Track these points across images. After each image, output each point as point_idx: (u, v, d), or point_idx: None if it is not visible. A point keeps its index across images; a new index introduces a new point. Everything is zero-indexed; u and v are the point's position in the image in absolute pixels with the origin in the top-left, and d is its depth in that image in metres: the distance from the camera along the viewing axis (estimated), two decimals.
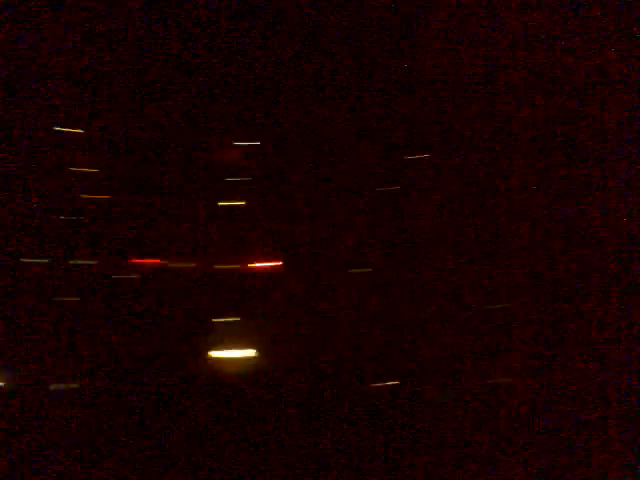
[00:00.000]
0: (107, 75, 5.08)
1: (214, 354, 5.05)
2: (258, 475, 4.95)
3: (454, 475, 4.99)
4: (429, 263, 5.06)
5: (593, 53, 5.10)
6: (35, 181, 5.01)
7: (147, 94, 5.11)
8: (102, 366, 4.97)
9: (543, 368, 5.02)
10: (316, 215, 5.13)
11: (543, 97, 5.10)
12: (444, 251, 5.07)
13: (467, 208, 5.09)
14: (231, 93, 5.14)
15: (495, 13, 5.12)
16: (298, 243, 5.11)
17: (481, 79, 5.12)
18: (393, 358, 5.03)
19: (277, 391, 5.01)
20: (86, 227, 5.04)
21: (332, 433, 4.97)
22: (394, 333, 5.05)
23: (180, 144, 5.11)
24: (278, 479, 4.95)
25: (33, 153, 5.02)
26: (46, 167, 5.02)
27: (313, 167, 5.14)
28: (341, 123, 5.12)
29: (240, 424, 4.99)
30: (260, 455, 4.97)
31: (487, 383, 5.02)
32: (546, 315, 5.04)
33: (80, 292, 5.00)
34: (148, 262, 5.08)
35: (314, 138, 5.14)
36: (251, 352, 5.05)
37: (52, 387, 4.94)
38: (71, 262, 5.01)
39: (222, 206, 5.14)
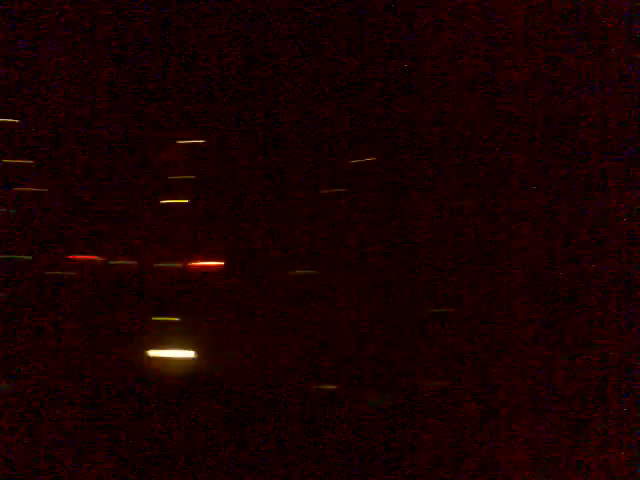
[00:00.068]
0: (47, 64, 4.97)
1: (152, 353, 4.96)
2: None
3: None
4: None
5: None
6: None
7: (90, 86, 5.00)
8: (35, 367, 4.87)
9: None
10: (259, 214, 5.04)
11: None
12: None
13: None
14: (175, 90, 5.04)
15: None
16: (240, 243, 5.01)
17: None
18: (333, 361, 4.94)
19: (216, 392, 4.93)
20: (21, 221, 4.92)
21: (273, 435, 4.90)
22: (335, 335, 4.97)
23: (123, 139, 5.00)
24: None
25: None
26: None
27: (260, 165, 5.05)
28: (301, 122, 5.03)
29: (176, 424, 4.91)
30: (198, 456, 4.90)
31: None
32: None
33: (13, 288, 4.89)
34: (86, 259, 4.97)
35: (267, 136, 5.06)
36: (190, 353, 4.96)
37: None
38: (4, 257, 4.90)
39: (164, 204, 5.05)
